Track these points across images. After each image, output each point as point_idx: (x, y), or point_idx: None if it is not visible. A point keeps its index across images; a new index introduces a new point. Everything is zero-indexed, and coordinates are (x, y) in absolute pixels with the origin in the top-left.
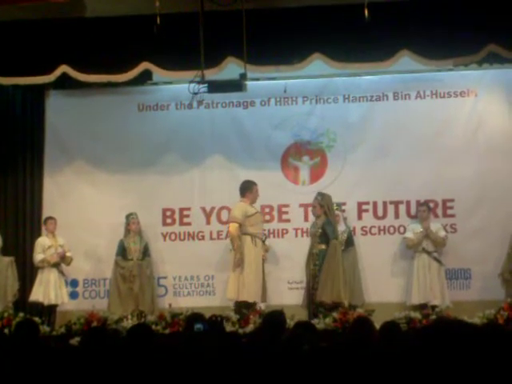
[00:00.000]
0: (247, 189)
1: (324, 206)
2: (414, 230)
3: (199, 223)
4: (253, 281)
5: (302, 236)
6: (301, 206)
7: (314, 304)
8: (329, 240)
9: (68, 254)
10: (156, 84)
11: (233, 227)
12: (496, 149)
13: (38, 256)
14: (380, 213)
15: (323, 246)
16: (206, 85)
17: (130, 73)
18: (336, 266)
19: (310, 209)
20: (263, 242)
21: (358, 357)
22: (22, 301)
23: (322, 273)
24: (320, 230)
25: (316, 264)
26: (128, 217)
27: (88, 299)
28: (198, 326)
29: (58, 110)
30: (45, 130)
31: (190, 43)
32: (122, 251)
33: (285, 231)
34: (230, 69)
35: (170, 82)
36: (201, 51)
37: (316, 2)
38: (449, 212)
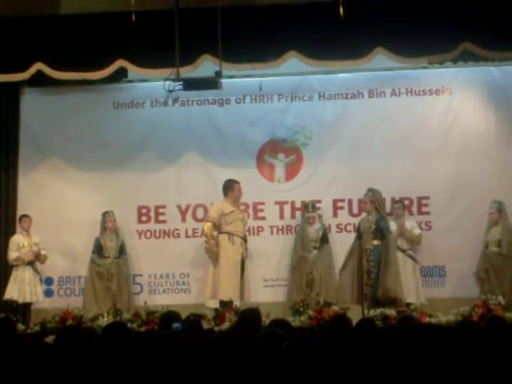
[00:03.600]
0: (228, 188)
1: (375, 202)
2: None
3: (175, 221)
4: (228, 279)
5: (278, 234)
6: (276, 203)
7: (366, 300)
8: (383, 235)
9: (43, 253)
10: (131, 81)
11: (206, 226)
12: (470, 146)
13: (13, 254)
14: (355, 210)
15: (376, 242)
16: (181, 82)
17: (105, 70)
18: (395, 260)
19: (288, 207)
20: (243, 240)
21: (335, 354)
22: None
23: (381, 268)
24: (374, 226)
25: (370, 260)
26: (104, 215)
27: (63, 297)
28: (177, 325)
29: (33, 107)
30: (19, 127)
31: (165, 41)
32: (98, 249)
33: (260, 229)
34: (206, 66)
35: (146, 80)
36: (176, 49)
37: None
38: (424, 209)
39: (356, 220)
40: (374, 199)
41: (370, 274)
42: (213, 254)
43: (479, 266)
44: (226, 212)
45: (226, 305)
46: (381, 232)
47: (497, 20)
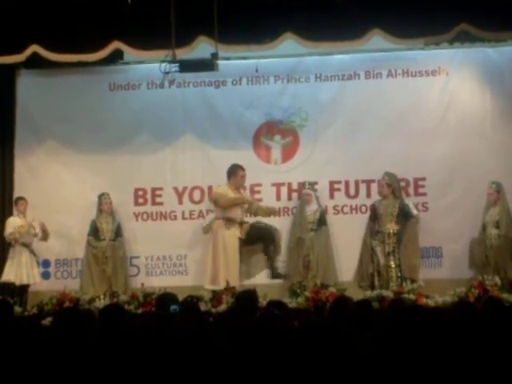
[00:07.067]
0: (231, 173)
1: (391, 186)
2: None
3: (171, 203)
4: (226, 267)
5: (275, 215)
6: (273, 185)
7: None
8: (405, 220)
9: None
10: (127, 63)
11: (223, 202)
12: (467, 127)
13: (8, 230)
14: (352, 192)
15: (399, 226)
16: (177, 64)
17: (101, 52)
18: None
19: (285, 188)
20: (241, 223)
21: (334, 336)
22: None
23: (401, 248)
24: (397, 210)
25: (394, 242)
26: (100, 197)
27: (60, 279)
28: (174, 307)
29: (29, 89)
30: (15, 109)
31: (161, 22)
32: (94, 231)
33: None
34: (202, 48)
35: (142, 62)
36: (172, 30)
37: None
38: (420, 191)
39: (353, 202)
40: (390, 182)
41: (390, 255)
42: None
43: (478, 252)
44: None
45: (226, 288)
46: (404, 216)
47: (493, 1)
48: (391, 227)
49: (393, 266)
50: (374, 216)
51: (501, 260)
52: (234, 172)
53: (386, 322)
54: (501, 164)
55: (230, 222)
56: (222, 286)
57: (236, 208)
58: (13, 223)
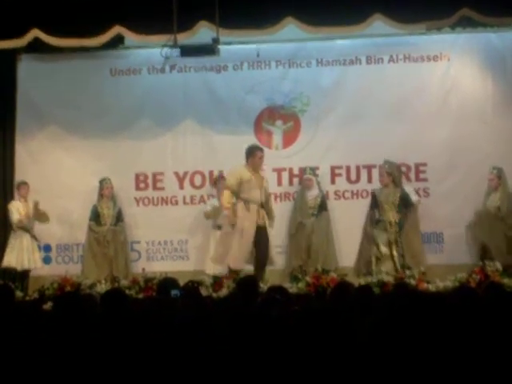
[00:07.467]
0: (249, 154)
1: (391, 174)
2: None
3: (172, 188)
4: (238, 248)
5: (276, 201)
6: (274, 170)
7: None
8: (405, 209)
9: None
10: (128, 48)
11: (225, 198)
12: (468, 112)
13: (16, 217)
14: (353, 177)
15: (401, 215)
16: (178, 49)
17: (102, 37)
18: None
19: (286, 174)
20: (260, 207)
21: (333, 321)
22: None
23: (407, 236)
24: (398, 200)
25: (393, 231)
26: (101, 182)
27: (61, 264)
28: (175, 292)
29: (30, 74)
30: (16, 94)
31: (162, 7)
32: (96, 216)
33: None
34: (203, 33)
35: (143, 46)
36: (173, 15)
37: None
38: (421, 176)
39: (354, 187)
40: (390, 171)
41: (397, 244)
42: (232, 224)
43: (474, 233)
44: (245, 179)
45: (231, 271)
46: (405, 205)
47: None
48: (393, 216)
49: (395, 255)
50: (375, 204)
51: (499, 241)
52: (252, 153)
53: (387, 307)
54: (502, 149)
55: (249, 203)
56: (231, 267)
57: (255, 190)
58: (16, 208)
